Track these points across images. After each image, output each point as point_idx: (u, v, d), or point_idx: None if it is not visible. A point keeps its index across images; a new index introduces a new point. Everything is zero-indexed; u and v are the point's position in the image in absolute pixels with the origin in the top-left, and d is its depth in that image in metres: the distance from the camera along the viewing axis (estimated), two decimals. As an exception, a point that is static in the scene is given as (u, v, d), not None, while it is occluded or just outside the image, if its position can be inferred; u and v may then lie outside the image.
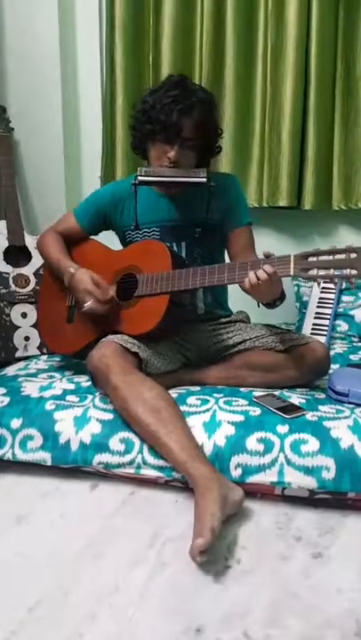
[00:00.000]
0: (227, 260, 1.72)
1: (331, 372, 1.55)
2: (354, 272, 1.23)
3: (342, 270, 1.24)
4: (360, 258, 1.22)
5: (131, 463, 1.30)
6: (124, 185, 1.65)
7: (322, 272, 1.26)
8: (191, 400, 1.41)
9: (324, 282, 1.31)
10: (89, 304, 1.48)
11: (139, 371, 1.40)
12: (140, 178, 1.53)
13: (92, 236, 1.72)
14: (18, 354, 2.11)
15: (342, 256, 1.25)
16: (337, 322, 2.15)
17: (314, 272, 1.27)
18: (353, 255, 1.23)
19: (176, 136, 1.48)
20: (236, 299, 1.68)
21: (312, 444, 1.24)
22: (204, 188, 1.54)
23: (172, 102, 1.45)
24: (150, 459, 1.29)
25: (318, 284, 1.30)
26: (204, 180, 1.51)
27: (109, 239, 1.71)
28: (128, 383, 1.33)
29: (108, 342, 1.43)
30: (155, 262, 1.50)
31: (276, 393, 1.46)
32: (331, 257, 1.26)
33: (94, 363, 1.39)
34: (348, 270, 1.23)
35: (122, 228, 1.66)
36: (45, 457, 1.35)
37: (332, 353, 1.74)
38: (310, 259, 1.28)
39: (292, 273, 1.30)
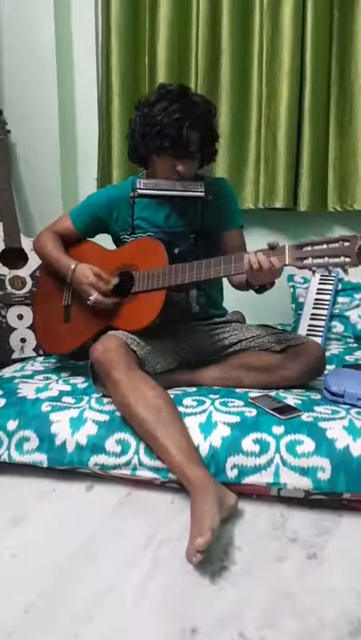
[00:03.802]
0: None
1: (326, 372, 1.55)
2: (348, 259, 1.24)
3: (336, 258, 1.25)
4: (353, 246, 1.24)
5: (127, 464, 1.30)
6: (122, 190, 1.65)
7: (317, 260, 1.27)
8: (187, 401, 1.41)
9: (320, 275, 1.31)
10: (94, 297, 1.49)
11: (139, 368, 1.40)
12: (139, 191, 1.54)
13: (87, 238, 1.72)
14: (14, 355, 2.11)
15: (336, 245, 1.26)
16: (333, 323, 2.16)
17: (309, 261, 1.28)
18: (346, 243, 1.24)
19: (185, 151, 1.49)
20: (231, 299, 1.68)
21: (308, 444, 1.24)
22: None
23: (180, 118, 1.45)
24: (146, 460, 1.29)
25: (314, 273, 1.30)
26: (202, 194, 1.53)
27: (104, 240, 1.71)
28: (131, 379, 1.33)
29: (113, 336, 1.43)
30: (151, 259, 1.50)
31: (272, 394, 1.46)
32: (325, 246, 1.27)
33: (97, 356, 1.39)
34: (343, 258, 1.24)
35: (117, 232, 1.67)
36: (41, 458, 1.35)
37: (327, 354, 1.74)
38: (305, 248, 1.29)
39: (287, 262, 1.30)
